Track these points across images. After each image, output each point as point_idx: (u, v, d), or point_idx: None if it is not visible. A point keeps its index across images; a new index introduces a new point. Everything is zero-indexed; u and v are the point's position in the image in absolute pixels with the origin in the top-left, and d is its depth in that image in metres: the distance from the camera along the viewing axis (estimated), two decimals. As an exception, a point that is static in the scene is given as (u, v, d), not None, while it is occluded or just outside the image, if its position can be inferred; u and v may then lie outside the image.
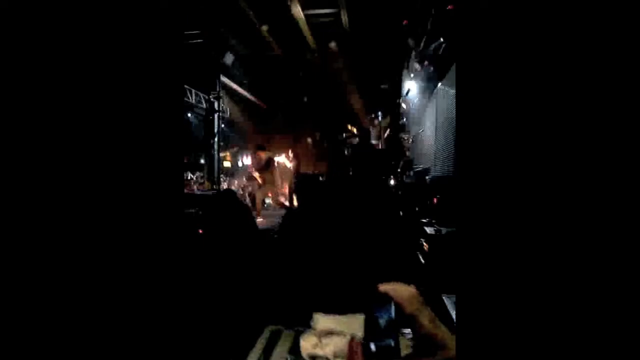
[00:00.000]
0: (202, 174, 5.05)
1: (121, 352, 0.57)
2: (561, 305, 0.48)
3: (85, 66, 0.56)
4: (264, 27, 5.97)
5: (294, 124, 9.23)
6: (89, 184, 0.57)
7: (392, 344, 0.55)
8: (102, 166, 0.57)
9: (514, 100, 0.58)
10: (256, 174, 5.11)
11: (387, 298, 0.56)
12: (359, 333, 1.04)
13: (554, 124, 0.56)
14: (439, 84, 4.02)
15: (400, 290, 0.55)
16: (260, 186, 5.22)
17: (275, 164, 5.41)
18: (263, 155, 5.10)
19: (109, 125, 0.58)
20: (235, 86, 6.98)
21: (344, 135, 6.97)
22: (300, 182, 2.85)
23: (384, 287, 0.54)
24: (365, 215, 4.10)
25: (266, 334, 1.08)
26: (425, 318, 0.51)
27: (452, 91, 3.18)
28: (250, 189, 5.24)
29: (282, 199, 5.78)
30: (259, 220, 4.36)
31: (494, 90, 0.60)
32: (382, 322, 0.55)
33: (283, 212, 4.82)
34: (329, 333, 1.05)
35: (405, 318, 0.54)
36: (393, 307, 0.57)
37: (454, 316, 1.40)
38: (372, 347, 0.56)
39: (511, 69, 0.59)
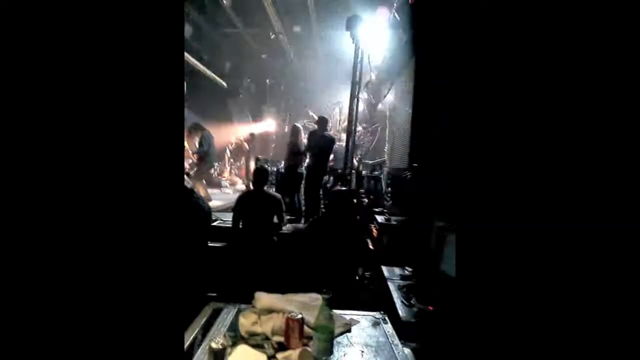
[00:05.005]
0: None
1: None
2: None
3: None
4: (226, 2, 5.68)
5: (256, 105, 9.04)
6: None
7: None
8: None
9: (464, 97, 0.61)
10: (193, 156, 4.71)
11: None
12: (297, 310, 1.11)
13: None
14: (397, 78, 4.18)
15: None
16: (198, 167, 4.80)
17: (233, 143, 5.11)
18: (197, 135, 4.76)
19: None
20: (193, 60, 6.59)
21: (304, 121, 6.98)
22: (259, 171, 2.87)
23: None
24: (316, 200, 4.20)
25: (208, 310, 1.12)
26: None
27: (408, 84, 3.36)
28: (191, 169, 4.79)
29: (235, 179, 5.67)
30: (211, 203, 4.27)
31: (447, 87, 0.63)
32: None
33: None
34: (270, 311, 1.11)
35: None
36: None
37: (388, 284, 1.73)
38: None
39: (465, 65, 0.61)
